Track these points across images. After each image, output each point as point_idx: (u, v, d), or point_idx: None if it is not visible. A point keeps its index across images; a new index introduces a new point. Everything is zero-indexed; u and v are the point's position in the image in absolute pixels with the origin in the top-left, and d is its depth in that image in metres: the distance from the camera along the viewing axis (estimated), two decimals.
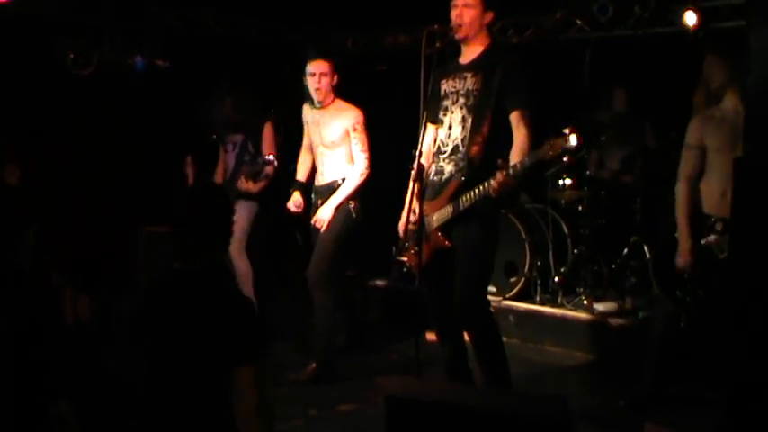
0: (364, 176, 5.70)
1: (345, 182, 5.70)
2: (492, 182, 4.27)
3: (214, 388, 3.04)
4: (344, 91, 5.83)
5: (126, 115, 7.60)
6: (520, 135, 4.43)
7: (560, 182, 7.10)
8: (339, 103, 5.79)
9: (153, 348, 3.16)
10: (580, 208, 7.05)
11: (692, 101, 5.48)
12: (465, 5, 4.48)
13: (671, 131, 6.95)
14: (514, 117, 4.45)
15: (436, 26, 4.40)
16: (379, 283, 7.70)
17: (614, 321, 6.42)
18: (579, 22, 7.11)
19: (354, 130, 5.69)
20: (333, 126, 5.73)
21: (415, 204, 4.54)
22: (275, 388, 5.20)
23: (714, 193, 4.80)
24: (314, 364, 5.64)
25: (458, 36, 4.56)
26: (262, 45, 8.25)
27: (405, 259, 4.88)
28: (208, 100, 7.01)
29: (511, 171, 4.25)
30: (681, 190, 4.95)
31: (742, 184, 2.73)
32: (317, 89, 5.69)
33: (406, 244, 4.82)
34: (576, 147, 4.16)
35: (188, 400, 3.07)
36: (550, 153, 4.15)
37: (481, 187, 4.36)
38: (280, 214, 6.76)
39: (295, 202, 5.91)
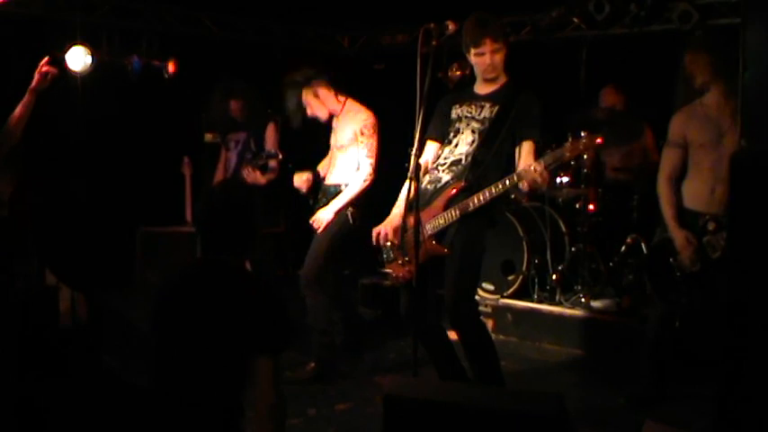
0: (367, 182, 5.65)
1: (348, 187, 5.68)
2: (523, 178, 4.31)
3: (226, 384, 3.06)
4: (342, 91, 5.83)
5: (122, 116, 7.59)
6: (528, 158, 4.51)
7: (558, 180, 7.11)
8: (351, 105, 5.80)
9: (167, 343, 3.17)
10: (577, 206, 7.06)
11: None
12: (493, 51, 4.62)
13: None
14: (525, 146, 4.57)
15: (432, 25, 4.41)
16: (377, 281, 7.70)
17: (612, 319, 6.43)
18: (576, 20, 7.12)
19: (362, 134, 5.65)
20: (345, 129, 5.74)
21: (399, 221, 4.66)
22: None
23: (702, 191, 4.78)
24: (313, 364, 5.65)
25: (487, 76, 4.70)
26: (259, 45, 8.25)
27: (390, 271, 4.88)
28: (211, 97, 7.03)
29: (538, 165, 4.27)
30: (664, 188, 4.93)
31: (739, 180, 2.74)
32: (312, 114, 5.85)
33: (391, 254, 4.83)
34: (595, 146, 4.23)
35: (197, 399, 3.08)
36: (568, 154, 4.25)
37: (488, 191, 4.41)
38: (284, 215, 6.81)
39: (299, 178, 5.94)
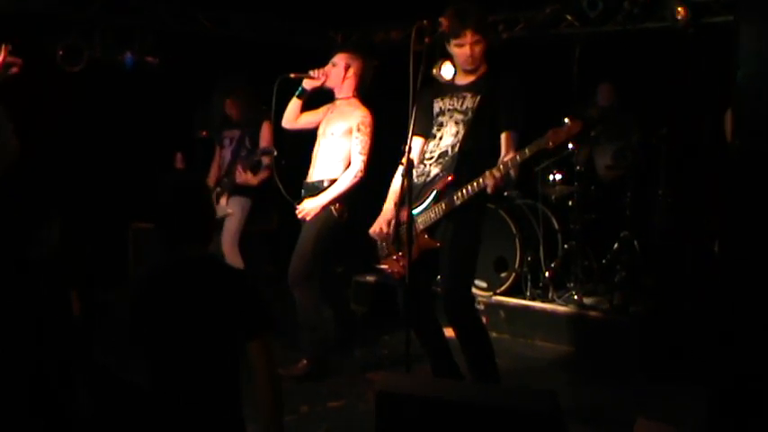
0: (357, 179, 5.62)
1: (338, 181, 5.64)
2: (486, 180, 4.31)
3: (219, 373, 3.08)
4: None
5: (115, 112, 7.58)
6: (509, 153, 4.49)
7: (550, 177, 7.12)
8: (354, 101, 5.76)
9: (154, 341, 3.17)
10: (570, 203, 7.07)
11: (683, 95, 5.42)
12: (474, 43, 4.59)
13: (661, 127, 6.98)
14: (505, 137, 4.54)
15: (425, 22, 4.41)
16: (369, 278, 7.71)
17: (604, 316, 6.44)
18: (569, 17, 7.12)
19: (358, 130, 5.62)
20: (339, 120, 5.70)
21: (392, 214, 4.65)
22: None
23: None
24: (305, 361, 5.65)
25: (467, 67, 4.67)
26: (252, 41, 8.24)
27: (386, 267, 4.88)
28: (211, 95, 7.01)
29: (502, 167, 4.31)
30: None
31: (733, 179, 2.75)
32: (325, 76, 5.73)
33: (386, 250, 4.83)
34: (578, 133, 4.22)
35: (192, 393, 3.09)
36: (551, 143, 4.24)
37: (474, 184, 4.40)
38: (276, 212, 6.79)
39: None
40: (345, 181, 5.63)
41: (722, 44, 4.79)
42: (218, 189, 6.74)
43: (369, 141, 5.64)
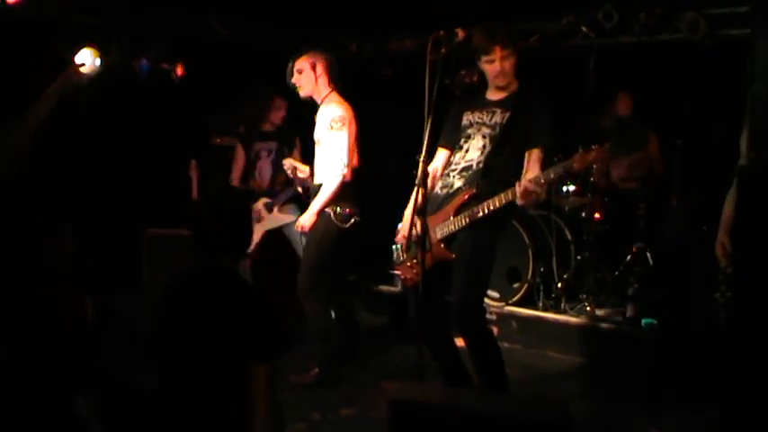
0: (340, 179, 5.44)
1: (323, 186, 5.51)
2: (517, 189, 4.31)
3: (228, 387, 3.08)
4: (350, 96, 5.78)
5: (130, 118, 7.61)
6: (535, 168, 4.50)
7: (564, 188, 7.12)
8: (333, 96, 5.64)
9: (169, 347, 3.19)
10: (583, 214, 7.06)
11: (697, 107, 5.40)
12: (503, 58, 4.63)
13: (675, 138, 6.98)
14: (534, 153, 4.56)
15: (442, 32, 4.43)
16: (382, 287, 7.71)
17: (616, 328, 6.43)
18: (584, 29, 7.12)
19: (331, 127, 5.45)
20: (319, 122, 5.60)
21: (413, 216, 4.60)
22: (279, 391, 5.23)
23: None
24: (317, 369, 5.65)
25: (499, 84, 4.71)
26: (267, 49, 8.27)
27: (399, 272, 4.89)
28: (249, 96, 7.02)
29: (535, 179, 4.31)
30: None
31: (748, 191, 2.75)
32: (297, 86, 5.67)
33: (402, 257, 4.83)
34: (603, 158, 4.22)
35: (200, 401, 3.10)
36: (576, 166, 4.26)
37: (496, 200, 4.41)
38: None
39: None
40: (329, 186, 5.48)
41: (738, 57, 4.81)
42: (266, 201, 6.74)
43: (348, 135, 5.47)
